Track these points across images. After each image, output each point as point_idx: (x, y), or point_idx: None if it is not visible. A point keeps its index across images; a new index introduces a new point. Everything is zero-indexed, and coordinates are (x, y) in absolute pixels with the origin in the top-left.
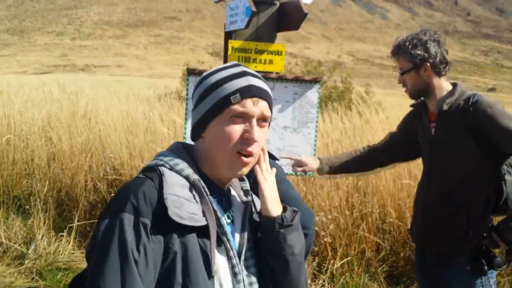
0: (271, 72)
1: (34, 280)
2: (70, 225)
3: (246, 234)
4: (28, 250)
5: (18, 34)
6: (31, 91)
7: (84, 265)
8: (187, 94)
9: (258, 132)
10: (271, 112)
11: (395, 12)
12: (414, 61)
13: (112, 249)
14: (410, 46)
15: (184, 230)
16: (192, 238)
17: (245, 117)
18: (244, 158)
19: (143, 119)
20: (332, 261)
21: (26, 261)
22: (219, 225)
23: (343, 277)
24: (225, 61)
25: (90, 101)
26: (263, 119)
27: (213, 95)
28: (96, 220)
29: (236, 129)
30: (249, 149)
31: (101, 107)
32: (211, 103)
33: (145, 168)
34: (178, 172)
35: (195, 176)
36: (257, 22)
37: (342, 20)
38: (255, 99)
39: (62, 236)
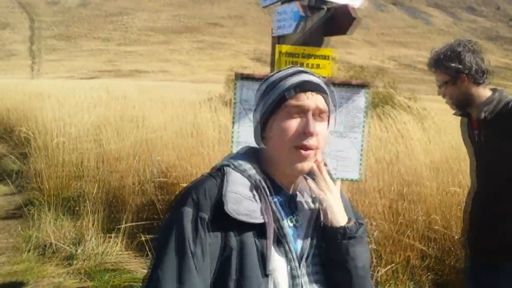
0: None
1: (83, 280)
2: (118, 226)
3: (309, 240)
4: (77, 251)
5: (65, 40)
6: (80, 95)
7: (132, 266)
8: (234, 98)
9: (314, 126)
10: (332, 108)
11: (438, 17)
12: (451, 73)
13: (171, 241)
14: (445, 60)
15: (241, 226)
16: (249, 236)
17: (300, 111)
18: (302, 152)
19: (190, 123)
20: (377, 268)
21: (75, 262)
22: (279, 226)
23: (388, 284)
24: (272, 65)
25: (138, 105)
26: (319, 113)
27: (269, 94)
28: (143, 222)
29: (292, 124)
30: (306, 142)
31: (148, 111)
32: (268, 102)
33: (212, 167)
34: (242, 172)
35: (257, 177)
36: (306, 27)
37: (384, 25)
38: (309, 93)
39: (111, 237)
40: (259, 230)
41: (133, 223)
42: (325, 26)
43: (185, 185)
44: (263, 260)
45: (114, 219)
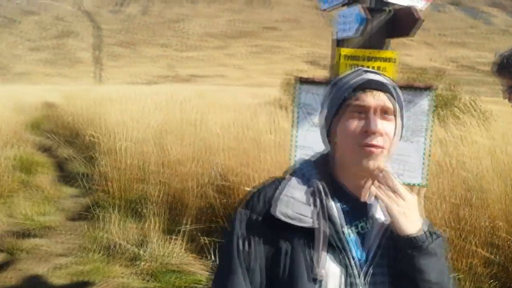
0: None
1: (148, 281)
2: (180, 228)
3: (376, 248)
4: (142, 252)
5: (128, 47)
6: (142, 100)
7: (194, 268)
8: (295, 102)
9: (378, 123)
10: (399, 107)
11: (500, 18)
12: None
13: (227, 240)
14: (509, 64)
15: (293, 230)
16: (300, 240)
17: (363, 111)
18: (366, 149)
19: (248, 127)
20: None
21: (140, 263)
22: (335, 232)
23: None
24: (332, 69)
25: (197, 109)
26: (384, 112)
27: (333, 97)
28: (204, 225)
29: (356, 123)
30: (370, 141)
31: (207, 115)
32: (332, 105)
33: (284, 173)
34: (306, 177)
35: (319, 182)
36: (369, 30)
37: (443, 26)
38: (372, 91)
39: (174, 239)
40: (312, 234)
41: (194, 226)
42: (387, 28)
43: (244, 188)
44: (313, 266)
45: (176, 222)
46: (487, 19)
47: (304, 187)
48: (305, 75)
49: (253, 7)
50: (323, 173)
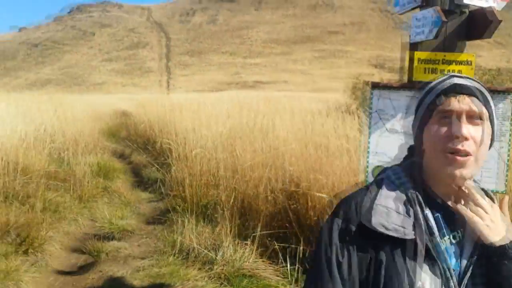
0: None
1: (223, 285)
2: (252, 234)
3: (471, 258)
4: (217, 256)
5: (197, 55)
6: (210, 107)
7: (267, 273)
8: (370, 108)
9: (462, 128)
10: (488, 111)
11: None
12: None
13: (320, 249)
14: None
15: (390, 241)
16: (397, 251)
17: (448, 115)
18: (450, 155)
19: (317, 132)
20: None
21: (215, 267)
22: (432, 242)
23: None
24: (409, 73)
25: (265, 115)
26: (471, 116)
27: (419, 103)
28: (276, 231)
29: (442, 129)
30: (455, 146)
31: (276, 121)
32: (422, 112)
33: (374, 180)
34: (396, 185)
35: (411, 190)
36: (445, 32)
37: None
38: (459, 96)
39: (246, 244)
40: (408, 246)
41: (266, 231)
42: (462, 30)
43: (315, 194)
44: (410, 276)
45: (248, 227)
46: None
47: (397, 196)
48: (373, 79)
49: (316, 12)
50: (414, 181)
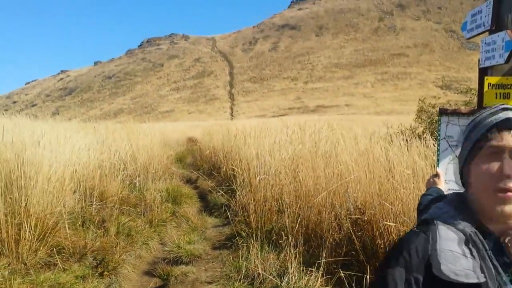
0: None
1: None
2: (318, 261)
3: None
4: (282, 282)
5: (259, 82)
6: (273, 132)
7: None
8: (438, 135)
9: (510, 166)
10: None
11: None
12: None
13: None
14: None
15: (454, 286)
16: None
17: (499, 151)
18: (500, 194)
19: (381, 157)
20: None
21: None
22: (501, 283)
23: None
24: (480, 99)
25: (327, 139)
26: None
27: (470, 137)
28: (341, 258)
29: (493, 166)
30: (504, 185)
31: (338, 145)
32: (471, 143)
33: (421, 221)
34: (454, 225)
35: (471, 230)
36: None
37: None
38: (510, 131)
39: (311, 271)
40: None
41: (332, 259)
42: None
43: (381, 221)
44: None
45: (313, 254)
46: None
47: (458, 237)
48: (439, 101)
49: (378, 35)
50: (468, 218)
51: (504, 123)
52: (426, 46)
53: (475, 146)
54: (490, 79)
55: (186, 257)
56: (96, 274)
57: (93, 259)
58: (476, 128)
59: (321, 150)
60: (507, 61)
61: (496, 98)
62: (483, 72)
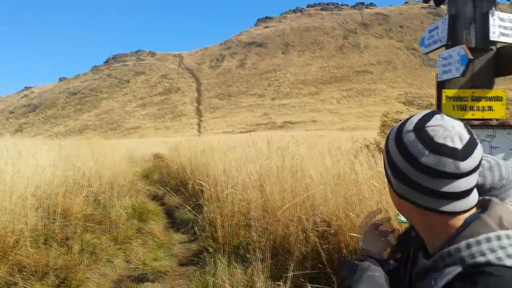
0: (491, 119)
1: None
2: (285, 275)
3: None
4: None
5: (226, 98)
6: (240, 148)
7: None
8: None
9: None
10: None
11: None
12: None
13: None
14: None
15: None
16: None
17: None
18: None
19: (347, 171)
20: None
21: None
22: None
23: None
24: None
25: (294, 155)
26: None
27: None
28: (309, 271)
29: None
30: None
31: (304, 160)
32: None
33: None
34: None
35: None
36: (472, 69)
37: None
38: None
39: (279, 285)
40: None
41: (299, 272)
42: (491, 66)
43: (347, 234)
44: None
45: (280, 268)
46: None
47: None
48: (402, 116)
49: (343, 53)
50: None
51: None
52: (389, 63)
53: None
54: (447, 92)
55: (152, 274)
56: None
57: (56, 278)
58: None
59: (288, 165)
60: (463, 74)
61: (453, 110)
62: (441, 85)
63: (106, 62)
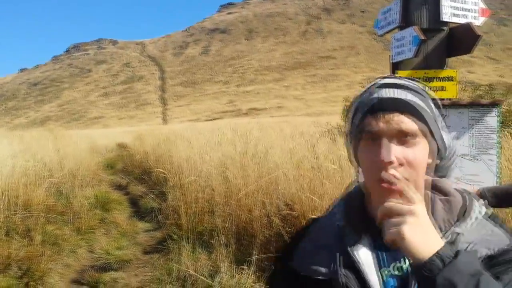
0: (444, 99)
1: None
2: (249, 258)
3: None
4: (213, 282)
5: (191, 86)
6: (205, 136)
7: None
8: None
9: (391, 152)
10: (428, 124)
11: None
12: None
13: None
14: None
15: (316, 284)
16: None
17: (379, 137)
18: (383, 184)
19: (310, 155)
20: None
21: None
22: (360, 281)
23: None
24: None
25: (258, 141)
26: (403, 135)
27: (353, 123)
28: (272, 254)
29: (372, 154)
30: (384, 174)
31: (269, 146)
32: (354, 129)
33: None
34: (330, 216)
35: (340, 222)
36: (425, 50)
37: (509, 39)
38: (384, 114)
39: (243, 269)
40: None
41: (262, 255)
42: (444, 47)
43: (309, 216)
44: None
45: (244, 252)
46: None
47: (333, 231)
48: None
49: (306, 38)
50: (351, 208)
51: (377, 106)
52: (352, 48)
53: (357, 132)
54: (401, 73)
55: (115, 263)
56: (22, 284)
57: (18, 269)
58: (357, 113)
59: (251, 151)
60: (415, 55)
61: None
62: (395, 66)
63: (67, 51)
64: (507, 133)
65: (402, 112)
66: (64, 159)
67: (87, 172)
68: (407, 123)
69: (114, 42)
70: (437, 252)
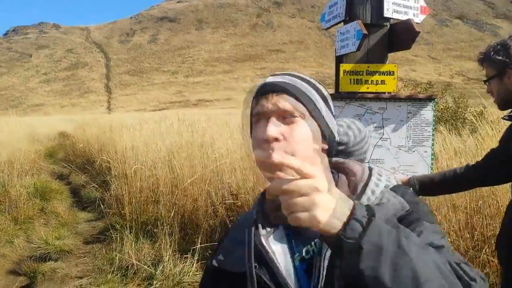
0: (384, 93)
1: None
2: (193, 247)
3: (325, 271)
4: (156, 271)
5: (138, 75)
6: (151, 125)
7: None
8: None
9: (270, 129)
10: (308, 106)
11: (506, 29)
12: (497, 67)
13: None
14: (492, 53)
15: (238, 278)
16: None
17: (263, 118)
18: (260, 159)
19: None
20: None
21: (155, 282)
22: (269, 270)
23: None
24: (337, 85)
25: (205, 132)
26: (283, 114)
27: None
28: (216, 243)
29: (258, 135)
30: (266, 152)
31: (215, 137)
32: (246, 117)
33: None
34: (253, 210)
35: (254, 213)
36: (368, 44)
37: (450, 40)
38: (268, 96)
39: (187, 258)
40: (245, 280)
41: (207, 244)
42: (385, 42)
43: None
44: None
45: (189, 241)
46: (493, 31)
47: (247, 224)
48: None
49: (256, 31)
50: (266, 199)
51: (260, 89)
52: (301, 43)
53: (250, 116)
54: (344, 66)
55: (55, 253)
56: None
57: None
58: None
59: (198, 141)
60: (358, 49)
61: (350, 83)
62: (339, 60)
63: (6, 34)
64: (444, 128)
65: (278, 92)
66: (0, 147)
67: (26, 161)
68: (283, 102)
69: (57, 27)
70: (352, 214)
